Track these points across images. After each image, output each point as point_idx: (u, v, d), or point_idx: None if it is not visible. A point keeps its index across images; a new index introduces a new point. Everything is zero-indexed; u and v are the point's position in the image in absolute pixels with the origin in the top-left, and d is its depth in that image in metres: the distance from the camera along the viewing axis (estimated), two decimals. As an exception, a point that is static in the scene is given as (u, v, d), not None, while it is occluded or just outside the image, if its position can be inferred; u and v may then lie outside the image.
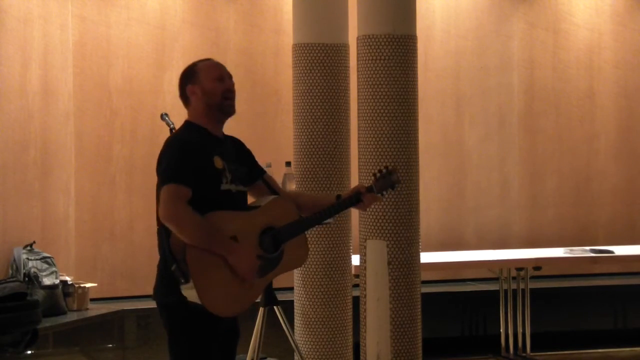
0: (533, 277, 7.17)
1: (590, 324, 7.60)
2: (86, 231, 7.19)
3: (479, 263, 7.16)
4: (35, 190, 6.71)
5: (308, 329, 6.00)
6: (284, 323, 5.43)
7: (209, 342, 3.67)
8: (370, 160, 5.49)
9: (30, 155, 6.70)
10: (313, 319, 5.99)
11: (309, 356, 5.96)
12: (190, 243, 3.53)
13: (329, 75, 6.03)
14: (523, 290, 7.09)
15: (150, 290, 3.74)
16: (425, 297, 5.73)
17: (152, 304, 3.84)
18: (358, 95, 5.62)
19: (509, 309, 7.11)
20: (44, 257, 6.42)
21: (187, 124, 3.81)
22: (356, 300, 5.82)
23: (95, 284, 6.77)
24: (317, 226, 4.24)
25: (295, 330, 6.01)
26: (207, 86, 3.76)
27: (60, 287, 6.39)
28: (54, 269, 6.41)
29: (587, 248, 7.23)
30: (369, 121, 5.52)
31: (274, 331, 5.72)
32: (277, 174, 5.70)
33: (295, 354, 5.61)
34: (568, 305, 7.60)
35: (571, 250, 7.19)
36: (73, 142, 7.16)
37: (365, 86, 5.54)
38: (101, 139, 7.29)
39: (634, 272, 8.13)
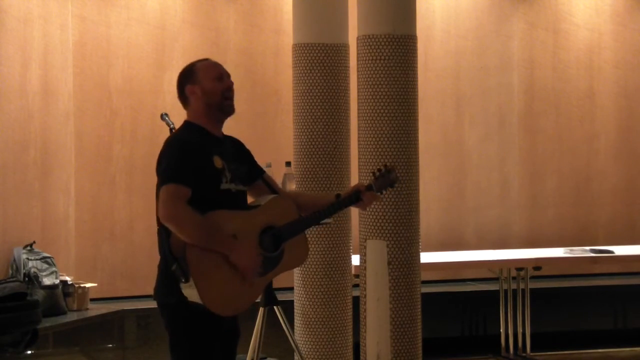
0: (533, 277, 7.16)
1: (590, 324, 7.60)
2: (86, 231, 7.19)
3: (479, 263, 7.16)
4: (35, 190, 6.71)
5: (308, 329, 6.00)
6: (284, 323, 5.42)
7: (211, 342, 3.67)
8: (370, 160, 5.48)
9: (30, 155, 6.70)
10: (313, 319, 5.99)
11: (309, 356, 5.96)
12: (190, 242, 3.53)
13: (329, 75, 6.03)
14: (523, 290, 7.08)
15: (150, 290, 3.74)
16: (425, 297, 5.73)
17: (152, 304, 3.84)
18: (358, 95, 5.62)
19: (509, 309, 7.11)
20: (44, 257, 6.42)
21: (186, 124, 3.81)
22: (356, 300, 5.82)
23: (95, 284, 6.77)
24: (316, 226, 4.24)
25: (295, 330, 6.00)
26: (207, 86, 3.76)
27: (60, 287, 6.38)
28: (54, 269, 6.41)
29: (587, 248, 7.22)
30: (369, 121, 5.52)
31: (274, 331, 5.71)
32: (277, 174, 5.69)
33: (295, 354, 5.61)
34: (568, 305, 7.60)
35: (571, 250, 7.19)
36: (73, 142, 7.16)
37: (365, 86, 5.54)
38: (101, 139, 7.28)
39: (634, 272, 8.12)
